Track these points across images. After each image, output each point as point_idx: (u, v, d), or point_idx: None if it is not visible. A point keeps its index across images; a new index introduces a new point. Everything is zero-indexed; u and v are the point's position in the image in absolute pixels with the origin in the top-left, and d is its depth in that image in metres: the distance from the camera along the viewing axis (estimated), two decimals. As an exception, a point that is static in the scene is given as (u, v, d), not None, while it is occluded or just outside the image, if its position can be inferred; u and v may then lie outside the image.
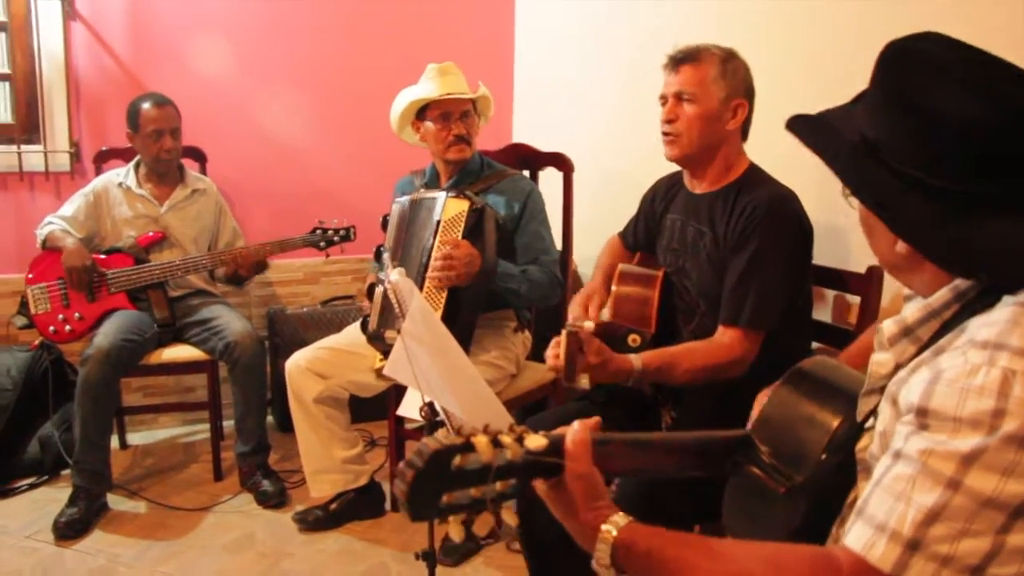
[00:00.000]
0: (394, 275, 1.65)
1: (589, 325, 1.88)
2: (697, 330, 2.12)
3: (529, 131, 3.98)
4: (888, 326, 1.11)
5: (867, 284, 2.11)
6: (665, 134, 2.10)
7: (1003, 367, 0.91)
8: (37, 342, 3.25)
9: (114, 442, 3.29)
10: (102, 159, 3.42)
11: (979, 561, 0.89)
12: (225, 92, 3.68)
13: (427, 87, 2.79)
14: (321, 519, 2.90)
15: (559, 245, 3.02)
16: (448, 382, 1.59)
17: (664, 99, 2.12)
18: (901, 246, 1.07)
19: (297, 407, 2.81)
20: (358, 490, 2.90)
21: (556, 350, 1.89)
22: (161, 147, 3.17)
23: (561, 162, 3.02)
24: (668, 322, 2.16)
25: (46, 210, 3.24)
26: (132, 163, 3.30)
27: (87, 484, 2.91)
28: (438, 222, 2.61)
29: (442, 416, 1.74)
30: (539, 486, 1.09)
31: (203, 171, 3.54)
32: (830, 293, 2.41)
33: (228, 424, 3.33)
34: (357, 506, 2.92)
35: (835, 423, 1.22)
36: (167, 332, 3.15)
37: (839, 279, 2.22)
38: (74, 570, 2.64)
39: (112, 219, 3.23)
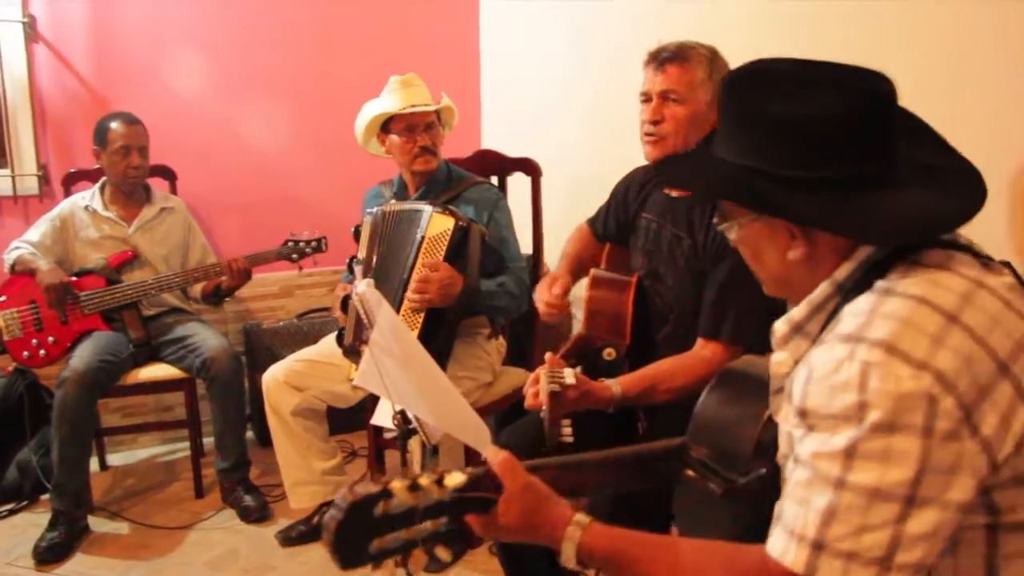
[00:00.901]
0: (361, 286, 1.67)
1: (570, 379, 1.80)
2: (670, 337, 2.11)
3: (497, 137, 4.00)
4: (779, 326, 1.16)
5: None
6: (648, 135, 2.04)
7: (861, 360, 0.96)
8: (11, 367, 3.23)
9: (93, 464, 3.26)
10: (71, 181, 3.40)
11: (883, 552, 0.94)
12: (192, 109, 3.68)
13: (390, 100, 2.80)
14: (305, 533, 2.90)
15: (529, 249, 3.05)
16: (420, 392, 1.61)
17: (647, 97, 2.05)
18: (795, 252, 1.11)
19: (275, 420, 2.82)
20: (339, 501, 2.90)
21: (534, 388, 1.87)
22: (129, 163, 3.16)
23: (529, 167, 3.04)
24: (641, 328, 2.14)
25: (15, 234, 3.22)
26: (97, 185, 3.29)
27: (67, 507, 2.90)
28: (422, 238, 2.58)
29: (415, 424, 1.76)
30: (474, 523, 1.12)
31: (173, 189, 3.54)
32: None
33: (208, 441, 3.33)
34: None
35: (764, 414, 1.25)
36: (143, 351, 3.14)
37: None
38: (57, 594, 2.65)
39: (80, 242, 3.21)
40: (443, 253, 2.55)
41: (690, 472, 1.27)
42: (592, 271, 2.24)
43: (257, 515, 3.06)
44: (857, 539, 0.94)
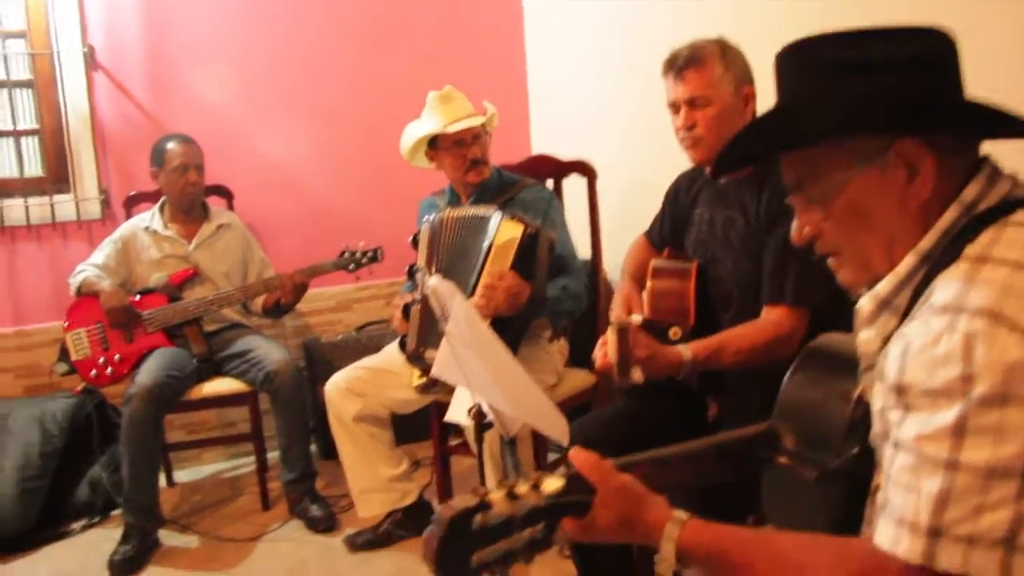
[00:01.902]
0: (433, 280, 1.67)
1: (637, 319, 1.88)
2: (736, 317, 2.10)
3: (548, 142, 3.99)
4: (864, 303, 1.11)
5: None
6: (684, 140, 2.10)
7: (963, 331, 0.90)
8: (80, 387, 3.30)
9: (161, 481, 3.30)
10: (131, 203, 3.48)
11: (1005, 532, 0.87)
12: (245, 128, 3.75)
13: (431, 119, 2.80)
14: (372, 541, 2.90)
15: (587, 252, 3.03)
16: (497, 382, 1.60)
17: (676, 107, 2.10)
18: (920, 189, 1.04)
19: (339, 428, 2.83)
20: (407, 509, 2.90)
21: (604, 349, 1.90)
22: (187, 181, 3.24)
23: (584, 169, 3.03)
24: (706, 312, 2.15)
25: (79, 257, 3.30)
26: (156, 206, 3.36)
27: (138, 521, 2.94)
28: (489, 245, 2.56)
29: (491, 418, 1.76)
30: (570, 526, 1.09)
31: (230, 207, 3.60)
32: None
33: (272, 456, 3.36)
34: (407, 525, 2.92)
35: (856, 392, 1.20)
36: (206, 366, 3.19)
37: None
38: (133, 606, 2.68)
39: (142, 263, 3.28)
40: (510, 261, 2.52)
41: (783, 459, 1.23)
42: (652, 262, 2.23)
43: (325, 525, 3.07)
44: (976, 521, 0.88)
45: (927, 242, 1.04)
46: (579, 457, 1.10)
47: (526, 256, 2.54)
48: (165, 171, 3.24)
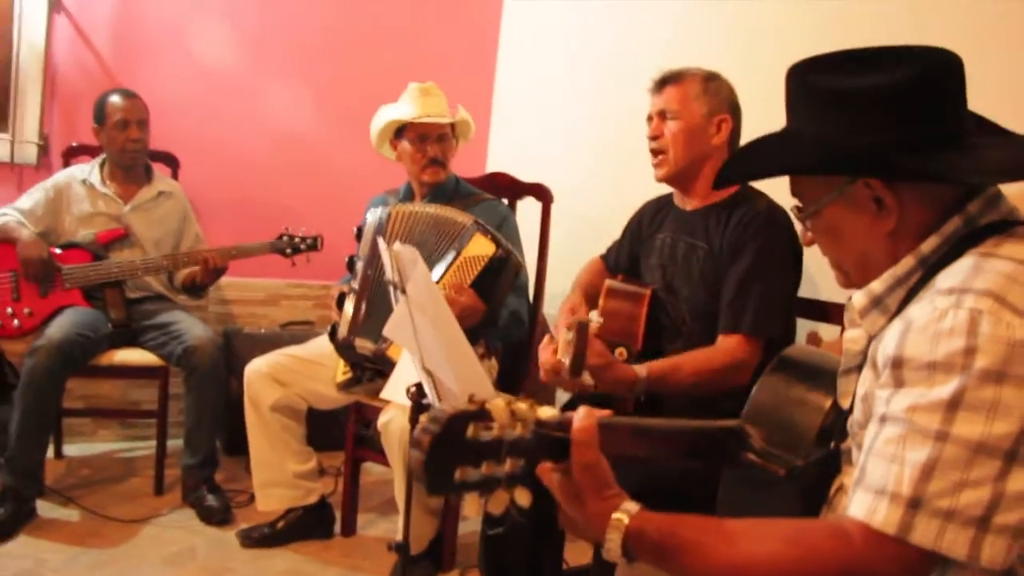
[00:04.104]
0: (396, 245, 1.61)
1: (597, 320, 1.86)
2: (683, 350, 2.08)
3: (504, 160, 3.95)
4: (858, 299, 1.14)
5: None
6: (652, 153, 2.16)
7: (969, 308, 0.93)
8: (-21, 337, 3.09)
9: (49, 451, 3.10)
10: (71, 155, 3.32)
11: (983, 512, 0.89)
12: (203, 98, 3.64)
13: (405, 107, 2.79)
14: (267, 536, 2.76)
15: (531, 280, 2.97)
16: (448, 357, 1.54)
17: (650, 119, 2.19)
18: (883, 224, 1.08)
19: (252, 414, 2.70)
20: (307, 509, 2.78)
21: (552, 347, 1.87)
22: (128, 137, 3.08)
23: (541, 193, 3.00)
24: (653, 341, 2.13)
25: (6, 201, 3.12)
26: (97, 160, 3.21)
27: (18, 484, 2.74)
28: (456, 255, 2.51)
29: (431, 399, 1.69)
30: (546, 472, 1.04)
31: (175, 176, 3.46)
32: (802, 326, 2.39)
33: (172, 443, 3.18)
34: (305, 526, 2.79)
35: (827, 403, 1.23)
36: (122, 334, 3.01)
37: (818, 310, 2.19)
38: (-3, 571, 2.47)
39: (72, 216, 3.11)
40: (472, 277, 2.47)
41: (752, 455, 1.21)
42: (607, 282, 2.22)
43: (219, 517, 2.90)
44: (956, 496, 0.89)
45: (928, 246, 1.06)
46: (582, 414, 1.02)
47: (490, 277, 2.49)
48: (106, 128, 3.08)
